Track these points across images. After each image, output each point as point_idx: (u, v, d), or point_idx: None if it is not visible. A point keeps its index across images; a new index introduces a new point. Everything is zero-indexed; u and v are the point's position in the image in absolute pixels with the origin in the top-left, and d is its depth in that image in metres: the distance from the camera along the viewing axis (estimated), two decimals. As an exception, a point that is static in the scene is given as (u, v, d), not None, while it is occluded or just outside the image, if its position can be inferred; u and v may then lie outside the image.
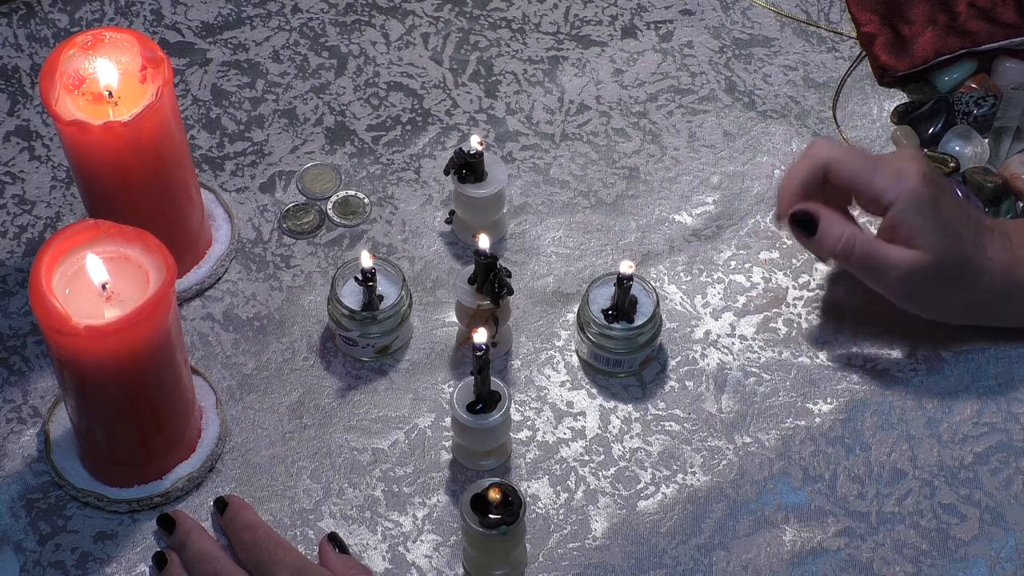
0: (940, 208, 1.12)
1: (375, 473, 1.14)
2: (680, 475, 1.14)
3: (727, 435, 1.16)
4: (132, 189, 1.12)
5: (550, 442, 1.15)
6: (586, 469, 1.14)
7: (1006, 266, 1.13)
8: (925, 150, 1.28)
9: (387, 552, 1.11)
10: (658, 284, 1.22)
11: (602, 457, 1.15)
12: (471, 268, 1.15)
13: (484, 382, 1.09)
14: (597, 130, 1.30)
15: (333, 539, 1.09)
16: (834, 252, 1.13)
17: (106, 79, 1.10)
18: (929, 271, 1.12)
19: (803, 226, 1.13)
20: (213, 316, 1.20)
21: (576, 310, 1.18)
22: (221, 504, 1.11)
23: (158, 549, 1.10)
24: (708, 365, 1.19)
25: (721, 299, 1.22)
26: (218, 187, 1.26)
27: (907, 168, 1.12)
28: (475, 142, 1.18)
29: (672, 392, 1.18)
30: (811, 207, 1.13)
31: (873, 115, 1.31)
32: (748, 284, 1.22)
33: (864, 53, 1.34)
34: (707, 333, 1.20)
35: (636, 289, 1.16)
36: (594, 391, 1.18)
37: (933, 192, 1.12)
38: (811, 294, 1.22)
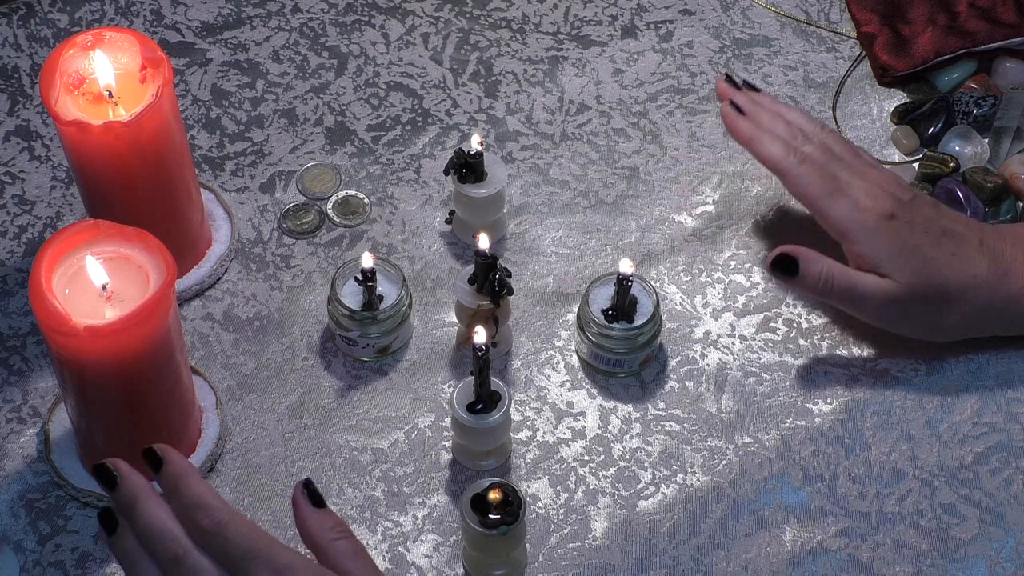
0: (902, 235, 1.12)
1: (375, 473, 1.14)
2: (680, 475, 1.14)
3: (727, 435, 1.16)
4: (132, 189, 1.12)
5: (550, 442, 1.15)
6: (586, 469, 1.14)
7: (994, 280, 1.13)
8: (925, 150, 1.28)
9: (387, 552, 1.11)
10: (658, 284, 1.22)
11: (602, 457, 1.15)
12: (471, 268, 1.15)
13: (484, 382, 1.09)
14: (597, 130, 1.30)
15: (308, 489, 0.95)
16: (816, 289, 1.13)
17: (106, 79, 1.10)
18: (904, 298, 1.12)
19: (784, 269, 1.13)
20: (213, 316, 1.20)
21: (576, 310, 1.18)
22: (154, 459, 0.94)
23: (103, 506, 0.98)
24: (708, 365, 1.19)
25: (721, 299, 1.22)
26: (218, 187, 1.26)
27: (863, 202, 1.13)
28: (475, 142, 1.18)
29: (672, 392, 1.18)
30: (789, 250, 1.13)
31: (873, 115, 1.31)
32: (748, 284, 1.22)
33: (864, 53, 1.34)
34: (707, 333, 1.20)
35: (636, 289, 1.16)
36: (594, 391, 1.18)
37: (892, 223, 1.12)
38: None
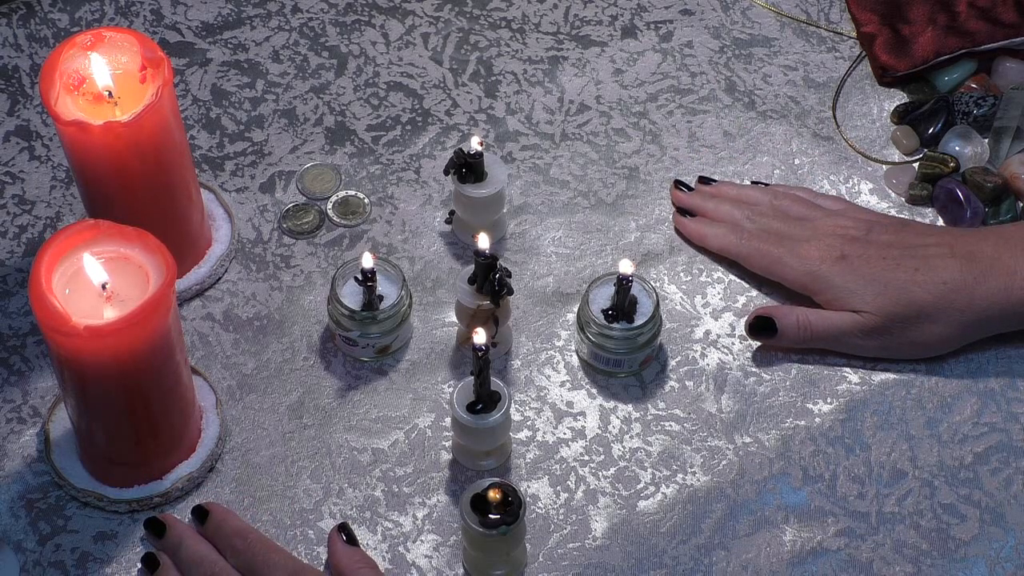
0: (858, 270, 1.15)
1: (375, 473, 1.14)
2: (680, 475, 1.14)
3: (727, 435, 1.16)
4: (132, 189, 1.12)
5: (550, 442, 1.15)
6: (586, 469, 1.14)
7: (970, 282, 1.14)
8: (925, 150, 1.28)
9: (387, 552, 1.11)
10: (658, 284, 1.22)
11: (602, 457, 1.15)
12: (471, 268, 1.15)
13: (484, 382, 1.09)
14: (597, 130, 1.30)
15: (343, 529, 1.09)
16: (799, 339, 1.17)
17: (106, 79, 1.10)
18: (882, 326, 1.15)
19: (763, 331, 1.17)
20: (213, 316, 1.20)
21: (576, 310, 1.18)
22: (201, 513, 1.10)
23: (147, 551, 1.09)
24: (708, 365, 1.19)
25: (721, 299, 1.22)
26: (218, 187, 1.26)
27: (812, 254, 1.17)
28: (475, 142, 1.18)
29: (672, 392, 1.18)
30: (762, 311, 1.17)
31: (873, 115, 1.31)
32: (748, 284, 1.22)
33: (864, 53, 1.34)
34: (707, 333, 1.20)
35: (636, 289, 1.16)
36: (594, 391, 1.18)
37: (844, 263, 1.16)
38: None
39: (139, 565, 1.09)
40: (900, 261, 1.15)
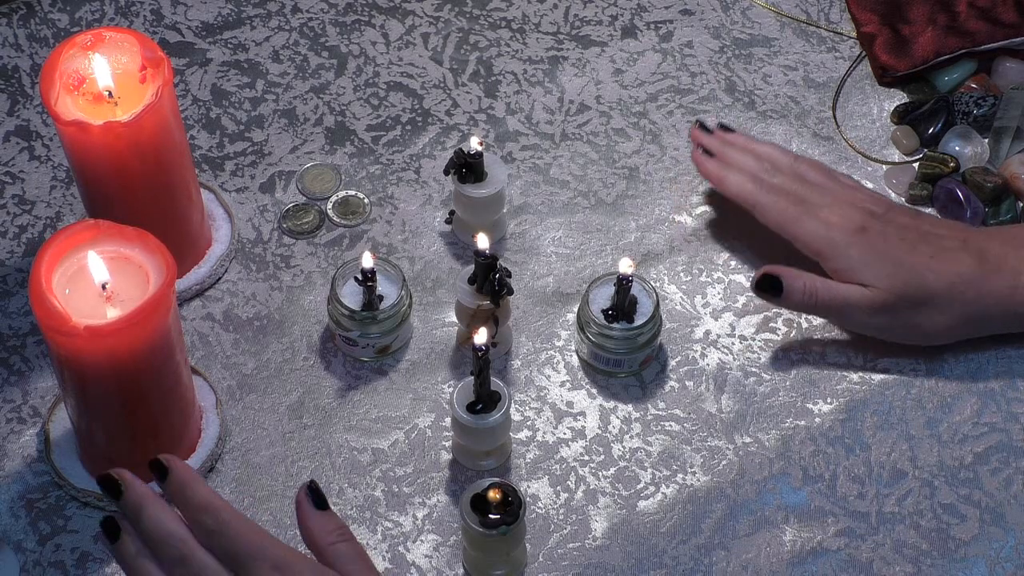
0: (875, 246, 1.14)
1: (375, 473, 1.14)
2: (680, 475, 1.14)
3: (727, 435, 1.16)
4: (132, 189, 1.12)
5: (550, 442, 1.15)
6: (586, 469, 1.14)
7: (980, 278, 1.14)
8: (925, 150, 1.28)
9: (387, 552, 1.11)
10: (658, 284, 1.22)
11: (602, 457, 1.15)
12: (471, 268, 1.15)
13: (484, 382, 1.09)
14: (597, 130, 1.30)
15: (312, 490, 0.97)
16: (802, 304, 1.16)
17: (106, 79, 1.10)
18: (889, 305, 1.14)
19: (770, 289, 1.16)
20: (213, 316, 1.20)
21: (576, 310, 1.18)
22: (160, 469, 0.96)
23: (106, 514, 0.97)
24: (708, 365, 1.19)
25: (721, 299, 1.22)
26: (218, 187, 1.26)
27: (832, 220, 1.16)
28: (475, 143, 1.18)
29: (672, 392, 1.18)
30: (771, 269, 1.16)
31: (873, 115, 1.31)
32: (748, 284, 1.22)
33: (864, 53, 1.34)
34: (707, 333, 1.20)
35: (636, 289, 1.16)
36: (594, 391, 1.18)
37: (864, 236, 1.15)
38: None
39: (100, 531, 0.97)
40: (916, 245, 1.14)
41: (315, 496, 0.97)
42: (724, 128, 1.24)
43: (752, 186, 1.19)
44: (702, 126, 1.24)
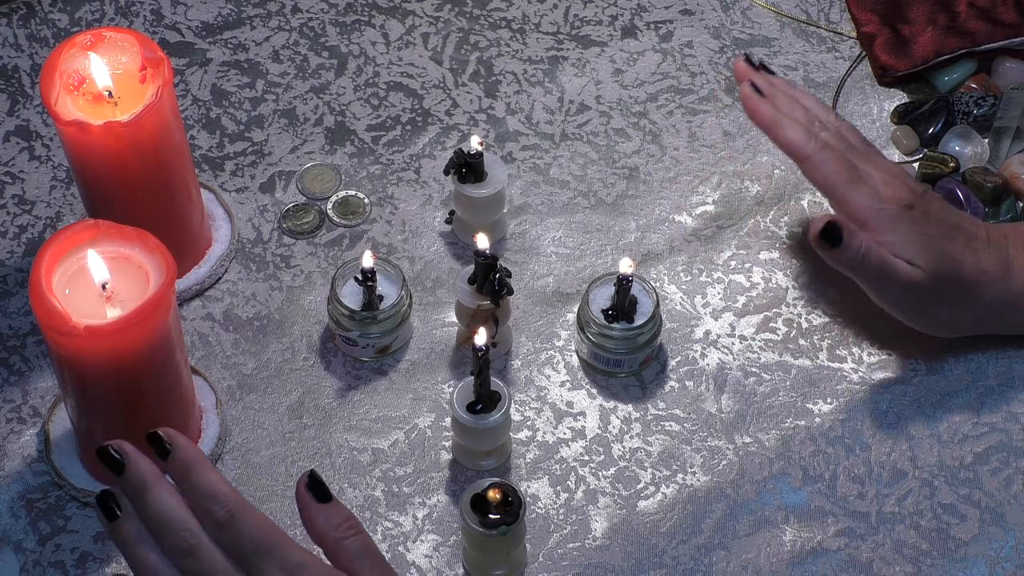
0: (920, 225, 1.12)
1: (375, 473, 1.14)
2: (680, 475, 1.14)
3: (727, 435, 1.16)
4: (132, 189, 1.12)
5: (550, 442, 1.15)
6: (586, 469, 1.14)
7: (1000, 276, 1.13)
8: (925, 150, 1.28)
9: (387, 552, 1.11)
10: (658, 284, 1.22)
11: (602, 457, 1.15)
12: (471, 268, 1.15)
13: (484, 382, 1.09)
14: (597, 130, 1.30)
15: (312, 482, 0.92)
16: (852, 263, 1.11)
17: (106, 79, 1.10)
18: (926, 287, 1.12)
19: (830, 238, 1.10)
20: (213, 316, 1.20)
21: (576, 310, 1.18)
22: (160, 444, 0.89)
23: (103, 488, 0.92)
24: (708, 365, 1.19)
25: (721, 299, 1.22)
26: (218, 187, 1.26)
27: (883, 191, 1.12)
28: (475, 143, 1.18)
29: (672, 392, 1.18)
30: (836, 219, 1.11)
31: (873, 115, 1.31)
32: (748, 284, 1.22)
33: (864, 53, 1.34)
34: (707, 333, 1.20)
35: (636, 289, 1.16)
36: (594, 391, 1.18)
37: (911, 213, 1.12)
38: (811, 294, 1.22)
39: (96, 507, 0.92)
40: (951, 234, 1.13)
41: (316, 488, 0.92)
42: (767, 70, 1.17)
43: (805, 137, 1.12)
44: (748, 60, 1.16)
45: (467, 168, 1.20)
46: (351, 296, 1.17)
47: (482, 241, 1.13)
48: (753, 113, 1.14)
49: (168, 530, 0.89)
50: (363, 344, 1.17)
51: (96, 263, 1.03)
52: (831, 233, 1.10)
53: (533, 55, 1.34)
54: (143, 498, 0.89)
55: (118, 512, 0.89)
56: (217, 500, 0.89)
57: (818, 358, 1.19)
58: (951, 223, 1.14)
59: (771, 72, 1.17)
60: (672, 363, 1.19)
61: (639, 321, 1.16)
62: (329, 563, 0.92)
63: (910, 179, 1.15)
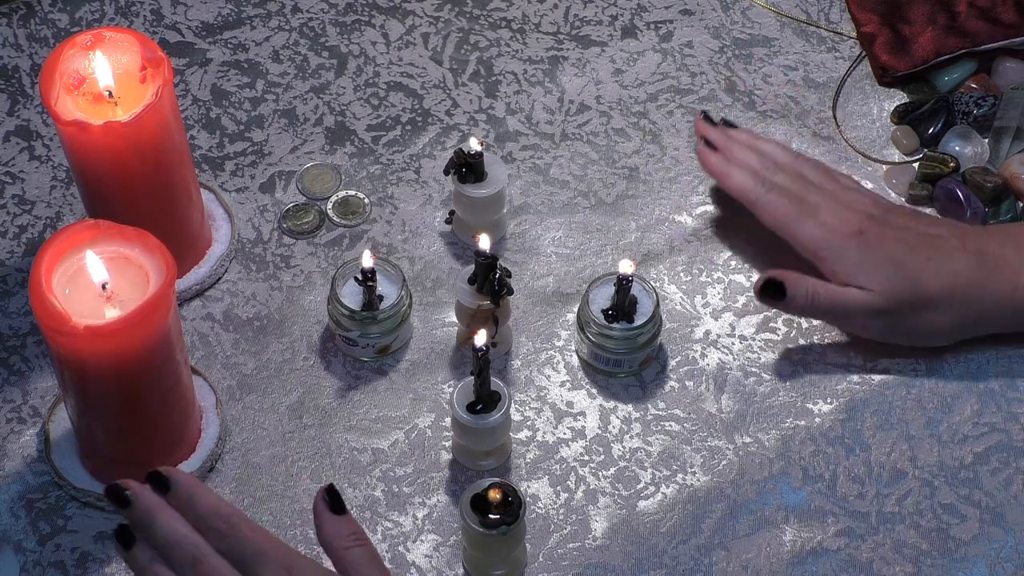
0: (872, 248, 1.14)
1: (375, 473, 1.14)
2: (680, 475, 1.14)
3: (727, 435, 1.16)
4: (132, 189, 1.12)
5: (550, 442, 1.15)
6: (586, 469, 1.14)
7: (979, 278, 1.13)
8: (925, 150, 1.28)
9: (387, 552, 1.11)
10: (658, 284, 1.22)
11: (602, 457, 1.15)
12: (471, 268, 1.15)
13: (484, 382, 1.09)
14: (597, 130, 1.30)
15: (330, 495, 0.98)
16: (804, 309, 1.16)
17: (106, 79, 1.10)
18: (888, 307, 1.14)
19: (773, 294, 1.16)
20: (213, 316, 1.20)
21: (576, 310, 1.18)
22: (160, 482, 0.97)
23: (119, 523, 0.97)
24: (708, 365, 1.19)
25: (721, 299, 1.22)
26: (218, 187, 1.26)
27: (830, 222, 1.15)
28: (475, 142, 1.18)
29: (672, 392, 1.18)
30: (775, 274, 1.16)
31: (873, 115, 1.31)
32: (748, 284, 1.22)
33: (864, 53, 1.34)
34: (707, 333, 1.20)
35: (636, 289, 1.16)
36: (594, 391, 1.18)
37: (860, 239, 1.15)
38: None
39: (114, 540, 0.97)
40: (914, 247, 1.14)
41: (333, 500, 0.98)
42: (728, 124, 1.24)
43: (754, 184, 1.19)
44: (707, 118, 1.24)
45: (467, 168, 1.20)
46: (351, 296, 1.17)
47: (482, 241, 1.13)
48: (704, 165, 1.22)
49: (176, 549, 0.95)
50: (363, 344, 1.17)
51: (95, 264, 1.03)
52: (773, 288, 1.16)
53: (533, 55, 1.34)
54: (151, 525, 0.96)
55: (133, 540, 0.96)
56: (219, 515, 0.96)
57: (818, 358, 1.19)
58: (918, 234, 1.15)
59: (732, 125, 1.24)
60: (672, 363, 1.19)
61: (639, 321, 1.16)
62: (324, 567, 0.96)
63: (870, 202, 1.17)
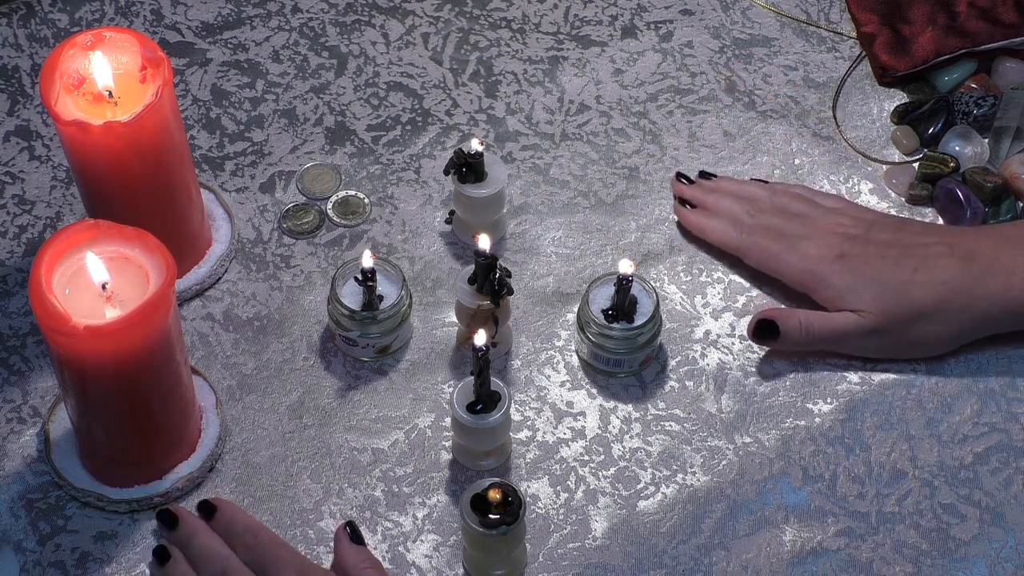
0: (856, 270, 1.15)
1: (375, 473, 1.14)
2: (680, 475, 1.14)
3: (727, 435, 1.16)
4: (132, 189, 1.12)
5: (550, 442, 1.15)
6: (586, 469, 1.14)
7: (969, 282, 1.13)
8: (925, 150, 1.28)
9: (387, 552, 1.11)
10: (658, 284, 1.22)
11: (602, 457, 1.15)
12: (471, 268, 1.15)
13: (484, 382, 1.09)
14: (597, 130, 1.30)
15: (350, 527, 1.07)
16: (801, 342, 1.17)
17: (106, 79, 1.10)
18: (881, 326, 1.15)
19: (766, 335, 1.17)
20: (213, 316, 1.20)
21: (576, 310, 1.18)
22: (209, 509, 1.09)
23: (159, 543, 1.09)
24: (708, 365, 1.19)
25: (721, 299, 1.22)
26: (218, 187, 1.26)
27: (811, 252, 1.17)
28: (475, 143, 1.18)
29: (672, 392, 1.18)
30: (765, 315, 1.17)
31: (873, 115, 1.31)
32: (748, 284, 1.22)
33: (864, 53, 1.34)
34: (707, 333, 1.20)
35: (636, 289, 1.16)
36: (594, 391, 1.18)
37: (843, 262, 1.16)
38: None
39: (151, 558, 1.08)
40: (899, 260, 1.15)
41: (353, 533, 1.07)
42: (705, 175, 1.25)
43: (732, 232, 1.21)
44: (681, 177, 1.25)
45: (467, 168, 1.20)
46: (351, 296, 1.17)
47: (482, 241, 1.13)
48: (684, 223, 1.24)
49: (209, 560, 1.07)
50: (363, 344, 1.17)
51: (95, 264, 1.03)
52: (765, 329, 1.17)
53: (533, 55, 1.34)
54: (191, 543, 1.08)
55: (168, 557, 1.08)
56: (248, 531, 1.08)
57: (818, 358, 1.19)
58: (902, 246, 1.16)
59: (709, 177, 1.25)
60: (672, 363, 1.19)
61: (639, 321, 1.16)
62: (333, 572, 1.06)
63: (851, 222, 1.18)
